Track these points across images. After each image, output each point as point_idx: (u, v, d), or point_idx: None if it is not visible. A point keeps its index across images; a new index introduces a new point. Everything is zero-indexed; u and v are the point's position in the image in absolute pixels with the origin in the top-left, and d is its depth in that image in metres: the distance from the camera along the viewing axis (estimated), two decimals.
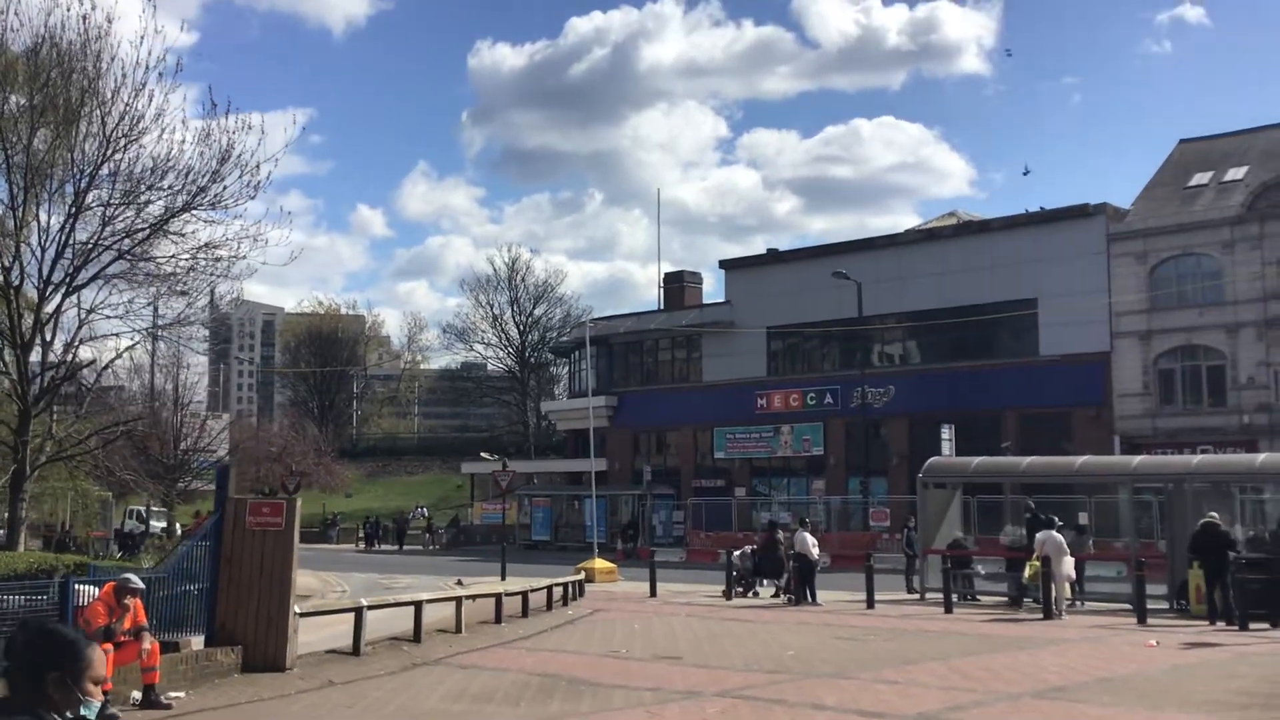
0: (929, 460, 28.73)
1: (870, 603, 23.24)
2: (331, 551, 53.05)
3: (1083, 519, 27.68)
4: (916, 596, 25.79)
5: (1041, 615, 21.12)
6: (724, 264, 56.50)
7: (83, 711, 3.12)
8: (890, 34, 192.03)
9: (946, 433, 37.74)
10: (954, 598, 23.04)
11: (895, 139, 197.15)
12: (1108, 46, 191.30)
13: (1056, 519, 22.97)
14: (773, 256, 55.47)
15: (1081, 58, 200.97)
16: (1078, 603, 23.52)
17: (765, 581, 27.02)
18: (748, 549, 28.02)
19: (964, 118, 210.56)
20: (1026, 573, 22.60)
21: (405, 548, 57.45)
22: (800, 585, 24.72)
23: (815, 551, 25.07)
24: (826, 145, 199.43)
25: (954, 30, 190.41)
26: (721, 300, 56.02)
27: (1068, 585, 22.54)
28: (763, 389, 51.88)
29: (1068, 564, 21.92)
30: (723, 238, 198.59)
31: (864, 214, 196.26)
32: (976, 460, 28.50)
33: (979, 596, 25.16)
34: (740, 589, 26.79)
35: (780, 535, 27.15)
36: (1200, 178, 43.73)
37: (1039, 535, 22.30)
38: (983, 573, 25.62)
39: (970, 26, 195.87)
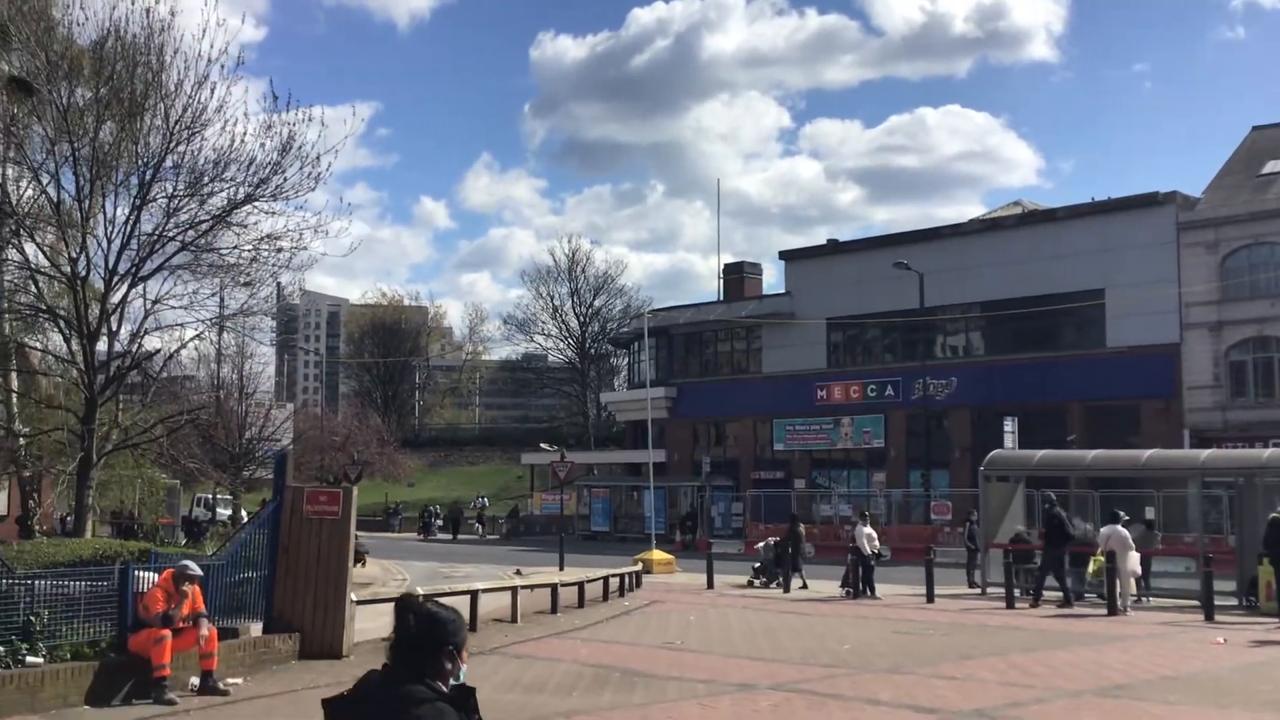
0: (991, 453, 28.31)
1: (930, 597, 22.98)
2: (393, 540, 53.63)
3: (1150, 514, 27.12)
4: (978, 591, 25.44)
5: (1106, 611, 20.74)
6: (784, 255, 56.20)
7: (461, 678, 3.70)
8: (956, 21, 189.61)
9: (1010, 425, 37.16)
10: (1016, 593, 22.67)
11: (961, 127, 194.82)
12: (1180, 33, 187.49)
13: (1122, 513, 22.53)
14: (833, 247, 55.06)
15: (1152, 44, 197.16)
16: (1144, 599, 23.08)
17: (789, 571, 26.86)
18: (771, 540, 28.47)
19: (1032, 106, 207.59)
20: (1090, 568, 22.22)
21: (460, 537, 57.94)
22: (858, 579, 24.51)
23: (872, 545, 24.83)
24: (890, 135, 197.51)
25: (1022, 16, 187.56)
26: (782, 291, 55.72)
27: (1133, 581, 22.12)
28: (823, 380, 51.54)
29: (1133, 559, 21.51)
30: (784, 229, 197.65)
31: (928, 204, 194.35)
32: (1040, 453, 28.05)
33: (1042, 592, 24.71)
34: (764, 579, 27.25)
35: (802, 528, 28.08)
36: (1273, 165, 42.64)
37: (1103, 530, 21.94)
38: None
39: (1039, 12, 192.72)
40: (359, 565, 30.29)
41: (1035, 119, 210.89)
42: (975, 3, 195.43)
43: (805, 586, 26.23)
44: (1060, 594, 22.69)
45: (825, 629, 18.46)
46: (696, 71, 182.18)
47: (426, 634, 3.61)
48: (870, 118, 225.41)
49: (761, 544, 28.83)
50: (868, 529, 25.01)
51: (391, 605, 13.14)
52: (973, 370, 46.91)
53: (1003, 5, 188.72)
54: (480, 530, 60.57)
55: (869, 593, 24.21)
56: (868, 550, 24.59)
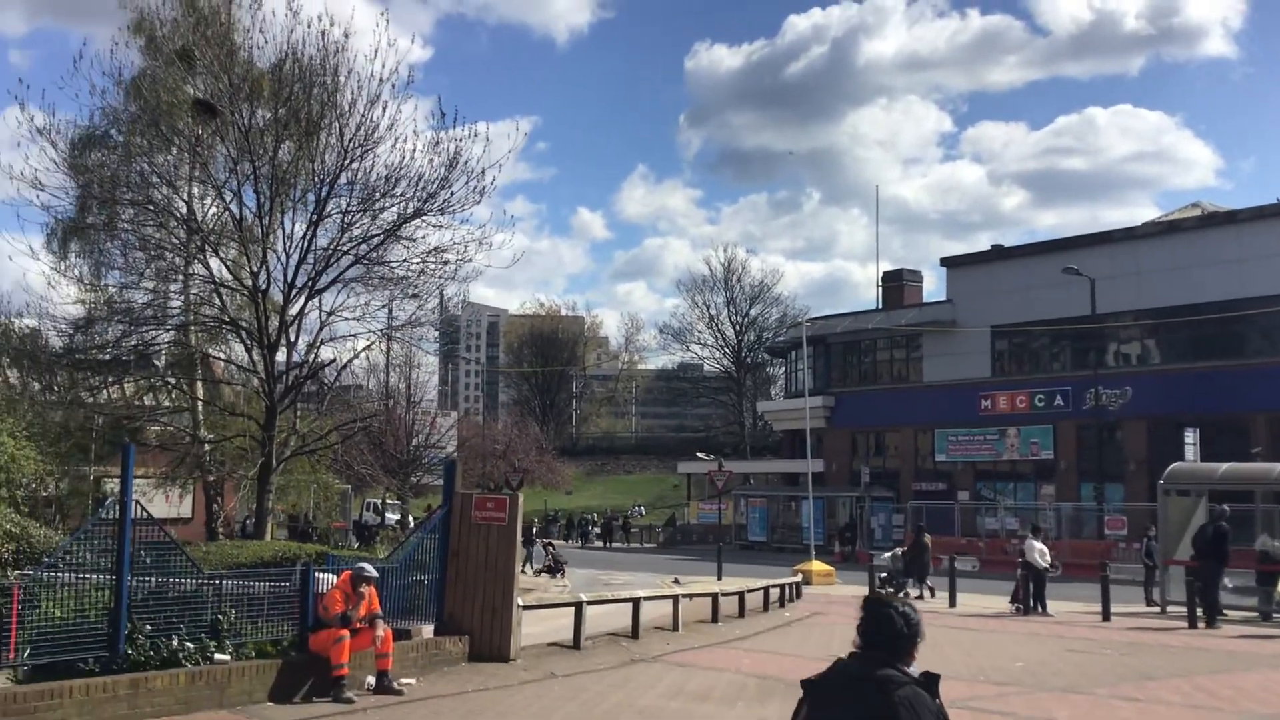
0: (1171, 466, 27.08)
1: (1106, 614, 22.08)
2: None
3: None
4: (1156, 609, 24.34)
5: None
6: (946, 261, 54.96)
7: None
8: (1127, 18, 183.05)
9: (1190, 437, 35.48)
10: (1198, 611, 21.59)
11: (1133, 127, 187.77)
12: None
13: None
14: (998, 253, 53.58)
15: None
16: None
17: (913, 582, 27.43)
18: (898, 550, 29.02)
19: (1209, 104, 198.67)
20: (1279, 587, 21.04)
21: (614, 545, 58.50)
22: (1029, 594, 23.73)
23: (1045, 559, 24.00)
24: (1058, 136, 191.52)
25: (1197, 12, 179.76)
26: (943, 299, 54.51)
27: None
28: (987, 390, 50.18)
29: None
30: (945, 235, 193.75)
31: (1098, 207, 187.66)
32: (1224, 467, 26.68)
33: (1226, 611, 23.48)
34: (891, 589, 27.40)
35: (928, 539, 28.60)
36: None
37: None
38: (1230, 585, 23.90)
39: (1215, 7, 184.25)
40: (559, 575, 30.77)
41: (1213, 117, 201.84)
42: None
43: (923, 597, 26.57)
44: (1257, 612, 21.53)
45: (995, 645, 17.92)
46: (853, 77, 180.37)
47: (906, 627, 4.14)
48: (1036, 119, 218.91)
49: (889, 554, 29.36)
50: (1038, 543, 24.21)
51: (555, 610, 13.20)
52: (1149, 379, 44.96)
53: (1177, 1, 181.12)
54: (626, 538, 61.30)
55: (1040, 609, 23.41)
56: (1041, 564, 23.80)
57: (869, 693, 3.98)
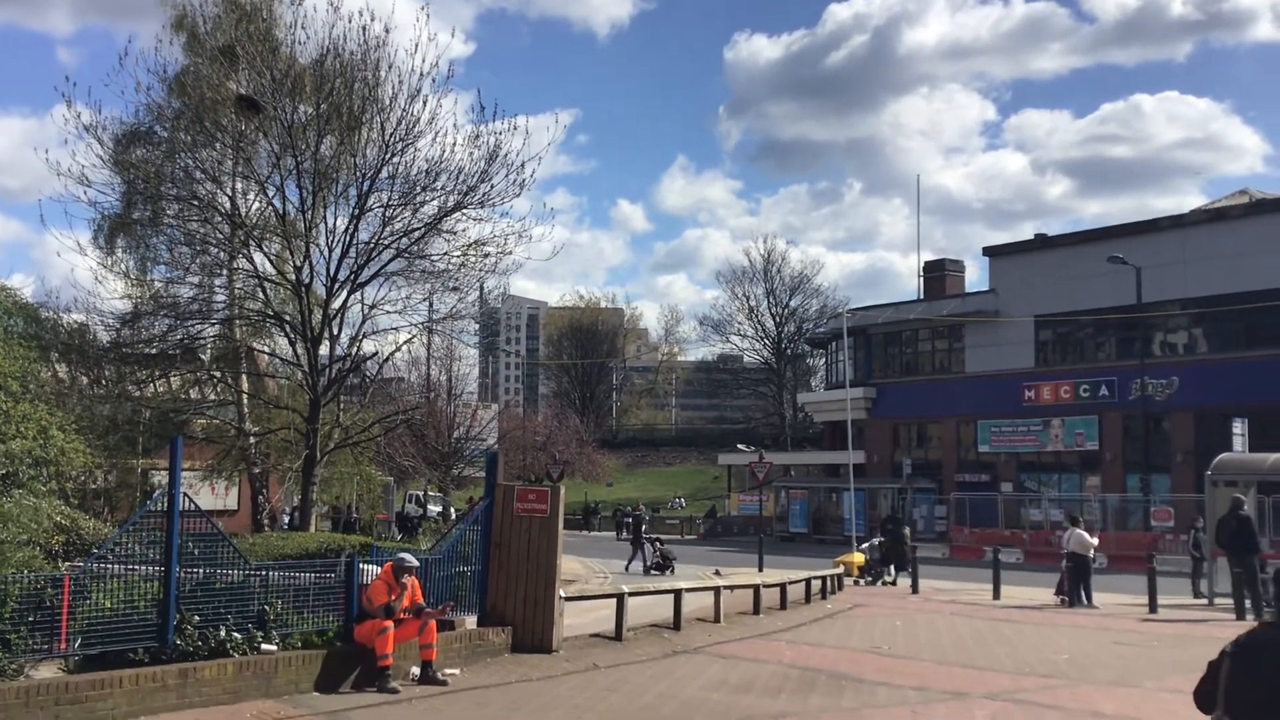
0: (1219, 457, 26.75)
1: (1153, 607, 21.83)
2: (593, 539, 54.52)
3: None
4: (1204, 602, 24.04)
5: None
6: (989, 251, 54.46)
7: None
8: (1175, 3, 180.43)
9: (1239, 427, 34.91)
10: (1245, 603, 21.29)
11: (1180, 114, 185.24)
12: None
13: None
14: (1042, 242, 53.06)
15: None
16: None
17: (893, 569, 29.26)
18: (875, 541, 30.92)
19: (1259, 89, 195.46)
20: None
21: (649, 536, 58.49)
22: (1075, 586, 23.50)
23: (1092, 549, 23.82)
24: (1103, 124, 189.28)
25: None
26: (986, 288, 54.06)
27: None
28: (1030, 380, 49.73)
29: None
30: (988, 225, 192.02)
31: (1144, 195, 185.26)
32: (1273, 457, 26.31)
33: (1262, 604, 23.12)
34: (870, 578, 29.30)
35: (906, 531, 30.69)
36: None
37: None
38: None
39: None
40: (669, 572, 30.73)
41: (1262, 103, 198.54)
42: None
43: (895, 583, 28.52)
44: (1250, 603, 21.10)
45: (1040, 638, 17.77)
46: (895, 66, 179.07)
47: None
48: (1081, 107, 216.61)
49: (866, 544, 31.15)
50: (1081, 531, 23.98)
51: (597, 601, 13.17)
52: (1196, 369, 44.38)
53: None
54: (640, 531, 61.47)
55: (1085, 601, 23.18)
56: (1090, 542, 23.70)
57: None
